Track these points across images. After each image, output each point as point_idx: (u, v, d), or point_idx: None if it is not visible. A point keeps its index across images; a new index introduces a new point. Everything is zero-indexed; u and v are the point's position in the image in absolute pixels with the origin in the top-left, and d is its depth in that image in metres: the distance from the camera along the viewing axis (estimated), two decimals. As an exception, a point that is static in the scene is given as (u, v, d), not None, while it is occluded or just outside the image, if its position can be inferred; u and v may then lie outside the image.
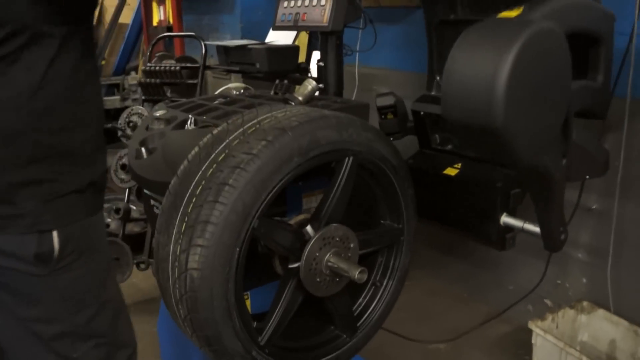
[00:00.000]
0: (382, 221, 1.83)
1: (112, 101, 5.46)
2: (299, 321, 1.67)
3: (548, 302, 2.61)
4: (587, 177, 1.86)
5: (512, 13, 2.03)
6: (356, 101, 2.16)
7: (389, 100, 2.41)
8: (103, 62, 5.72)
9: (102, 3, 5.59)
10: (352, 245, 1.66)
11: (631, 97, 2.13)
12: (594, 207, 2.40)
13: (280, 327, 1.58)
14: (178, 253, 1.36)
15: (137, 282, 3.25)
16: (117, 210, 3.15)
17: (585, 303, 2.31)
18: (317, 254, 1.57)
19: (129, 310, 2.85)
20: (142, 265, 2.95)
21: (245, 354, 1.48)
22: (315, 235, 1.55)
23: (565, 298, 2.54)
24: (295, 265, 1.57)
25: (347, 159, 1.57)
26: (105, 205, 3.61)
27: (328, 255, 1.58)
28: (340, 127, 1.54)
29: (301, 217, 1.70)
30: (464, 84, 1.35)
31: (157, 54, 4.42)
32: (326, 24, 2.18)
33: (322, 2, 2.19)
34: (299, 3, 2.30)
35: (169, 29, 4.72)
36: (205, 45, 2.98)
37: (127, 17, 5.58)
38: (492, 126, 1.31)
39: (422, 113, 2.22)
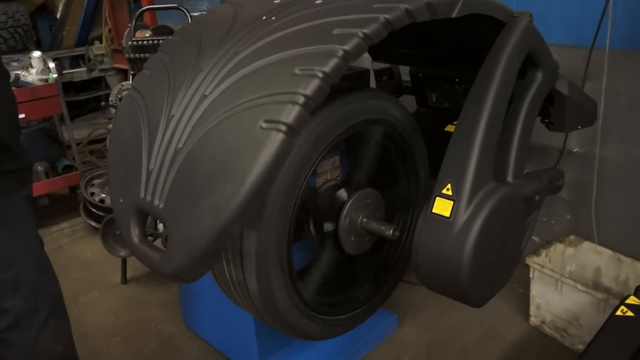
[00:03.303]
0: (400, 182, 1.99)
1: (80, 73, 5.34)
2: (332, 279, 1.83)
3: (536, 239, 2.86)
4: (579, 127, 2.05)
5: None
6: (358, 67, 2.26)
7: (384, 64, 2.53)
8: (63, 34, 5.55)
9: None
10: (379, 206, 1.82)
11: (609, 48, 2.32)
12: (575, 150, 2.62)
13: (322, 283, 1.74)
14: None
15: (143, 254, 3.33)
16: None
17: (572, 237, 2.56)
18: (352, 216, 1.73)
19: (141, 282, 2.99)
20: (150, 238, 3.04)
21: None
22: (351, 199, 1.70)
23: (552, 234, 2.80)
24: (332, 227, 1.73)
25: (375, 127, 1.71)
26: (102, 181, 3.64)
27: (361, 216, 1.74)
28: (368, 98, 1.66)
29: (331, 182, 1.84)
30: (434, 265, 1.45)
31: (128, 25, 4.34)
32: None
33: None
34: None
35: (136, -4, 4.62)
36: (191, 17, 2.98)
37: (84, -16, 5.39)
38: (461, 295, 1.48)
39: (420, 75, 2.35)
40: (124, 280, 3.06)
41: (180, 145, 1.23)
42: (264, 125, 1.09)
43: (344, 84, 1.73)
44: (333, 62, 1.12)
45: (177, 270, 1.18)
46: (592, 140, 2.52)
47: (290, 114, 1.07)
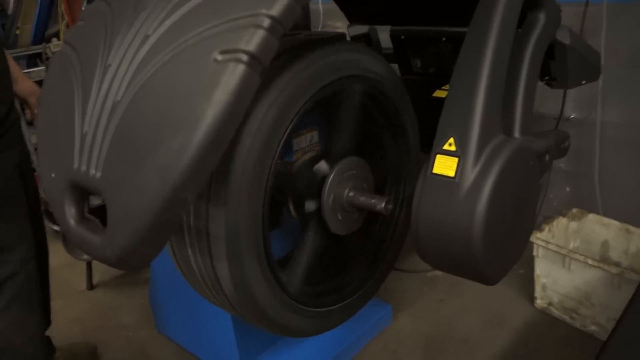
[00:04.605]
0: (388, 151, 1.77)
1: (37, 72, 5.00)
2: (319, 265, 1.60)
3: (534, 215, 2.65)
4: (583, 82, 1.85)
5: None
6: (332, 32, 2.03)
7: (361, 29, 2.31)
8: (18, 32, 5.21)
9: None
10: (367, 177, 1.59)
11: (607, 1, 2.12)
12: (572, 116, 2.42)
13: (307, 269, 1.51)
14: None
15: (110, 257, 3.05)
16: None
17: (575, 210, 2.35)
18: (337, 189, 1.50)
19: (109, 286, 2.74)
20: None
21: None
22: (334, 170, 1.47)
23: (551, 209, 2.60)
24: (314, 204, 1.50)
25: (356, 85, 1.48)
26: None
27: (347, 190, 1.51)
28: (347, 52, 1.44)
29: (308, 155, 1.61)
30: (439, 235, 1.22)
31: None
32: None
33: None
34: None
35: (93, -15, 4.32)
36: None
37: (37, -22, 5.07)
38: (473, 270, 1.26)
39: (402, 37, 2.13)
40: (90, 286, 2.78)
41: (119, 98, 0.98)
42: (219, 57, 0.85)
43: (319, 36, 1.50)
44: (305, -25, 0.88)
45: (120, 254, 0.93)
46: (591, 103, 2.33)
47: (253, 39, 0.83)
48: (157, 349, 2.28)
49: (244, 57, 0.82)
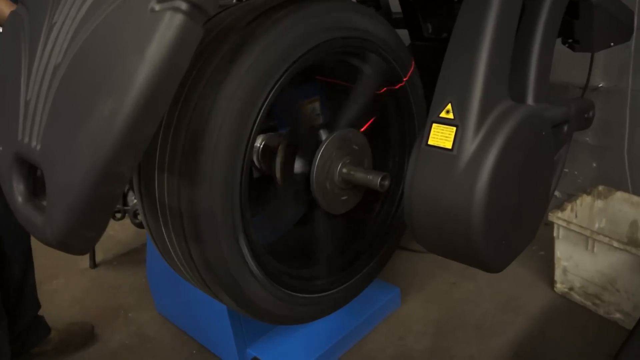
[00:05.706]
0: (392, 124, 1.62)
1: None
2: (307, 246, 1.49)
3: (557, 193, 2.48)
4: (612, 44, 1.66)
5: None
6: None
7: (369, -9, 2.15)
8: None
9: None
10: (365, 151, 1.45)
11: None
12: (601, 85, 2.23)
13: (294, 251, 1.39)
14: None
15: (114, 234, 2.99)
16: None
17: (601, 187, 2.18)
18: (329, 163, 1.36)
19: (112, 265, 2.68)
20: (118, 215, 2.70)
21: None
22: (326, 142, 1.34)
23: (575, 186, 2.42)
24: (304, 179, 1.37)
25: (372, 53, 1.34)
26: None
27: (341, 164, 1.38)
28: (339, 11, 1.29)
29: (302, 127, 1.49)
30: (433, 215, 1.08)
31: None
32: None
33: None
34: None
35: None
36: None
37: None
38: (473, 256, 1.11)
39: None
40: (93, 264, 2.73)
41: (59, 60, 0.86)
42: (156, 7, 0.71)
43: None
44: None
45: (59, 237, 0.82)
46: (622, 71, 2.13)
47: (193, -16, 0.70)
48: (156, 331, 2.20)
49: (183, 6, 0.69)
